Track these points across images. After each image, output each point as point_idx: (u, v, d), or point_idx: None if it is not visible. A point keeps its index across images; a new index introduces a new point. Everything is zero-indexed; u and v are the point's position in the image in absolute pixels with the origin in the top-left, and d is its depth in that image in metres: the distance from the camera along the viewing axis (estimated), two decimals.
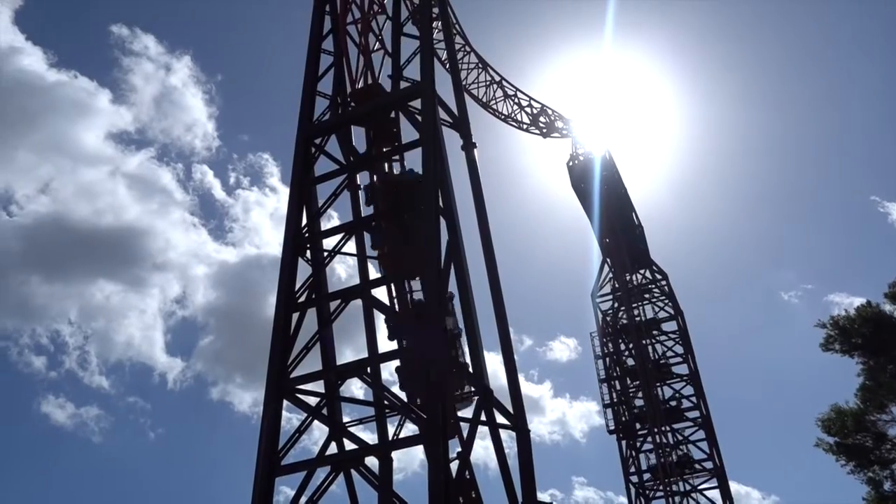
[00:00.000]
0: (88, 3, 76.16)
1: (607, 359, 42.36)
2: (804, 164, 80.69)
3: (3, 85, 59.50)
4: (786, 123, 79.66)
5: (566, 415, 77.11)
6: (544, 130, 40.03)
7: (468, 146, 18.87)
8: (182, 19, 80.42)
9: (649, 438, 39.24)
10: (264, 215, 79.15)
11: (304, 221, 17.49)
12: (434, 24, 20.85)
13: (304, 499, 14.17)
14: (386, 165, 19.38)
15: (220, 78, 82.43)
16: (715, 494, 38.19)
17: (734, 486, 43.91)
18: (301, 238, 17.19)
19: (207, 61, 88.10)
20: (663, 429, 39.05)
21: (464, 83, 34.70)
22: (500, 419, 15.68)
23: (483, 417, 15.11)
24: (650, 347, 42.45)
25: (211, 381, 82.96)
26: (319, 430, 15.95)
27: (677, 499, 37.15)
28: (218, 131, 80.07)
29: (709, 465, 38.78)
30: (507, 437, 15.83)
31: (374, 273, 18.86)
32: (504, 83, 39.17)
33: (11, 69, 60.44)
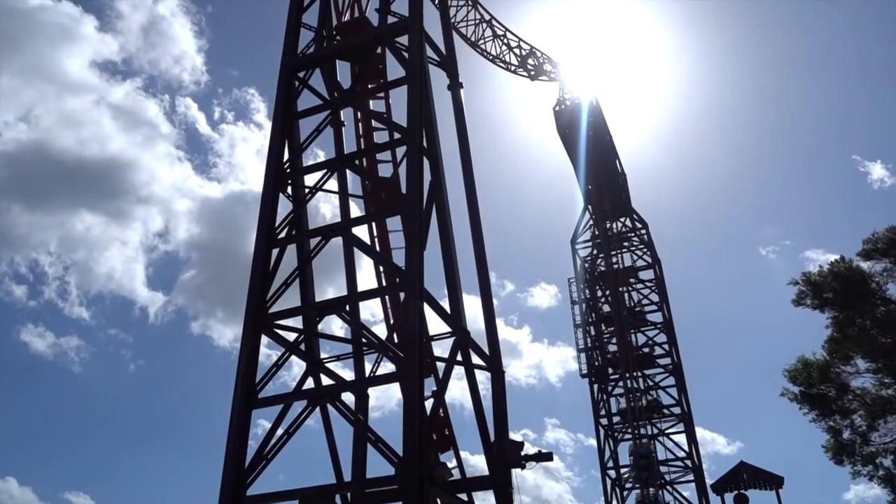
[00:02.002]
0: None
1: (584, 304, 42.93)
2: (789, 121, 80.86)
3: None
4: (773, 81, 79.44)
5: (543, 360, 78.59)
6: (532, 73, 39.49)
7: (455, 86, 18.62)
8: None
9: (621, 383, 40.13)
10: (250, 151, 78.24)
11: (287, 157, 17.25)
12: None
13: (280, 430, 14.39)
14: (371, 102, 19.11)
15: (211, 9, 80.00)
16: (681, 439, 39.43)
17: (701, 432, 45.37)
18: (282, 173, 16.99)
19: None
20: (635, 374, 39.90)
21: (452, 21, 34.00)
22: (476, 360, 15.92)
23: (459, 358, 15.32)
24: (626, 295, 43.03)
25: (192, 316, 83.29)
26: (299, 367, 16.09)
27: (644, 441, 38.23)
28: (207, 65, 78.28)
29: (677, 410, 39.87)
30: (483, 378, 16.12)
31: (356, 212, 18.81)
32: (493, 22, 38.42)
33: None
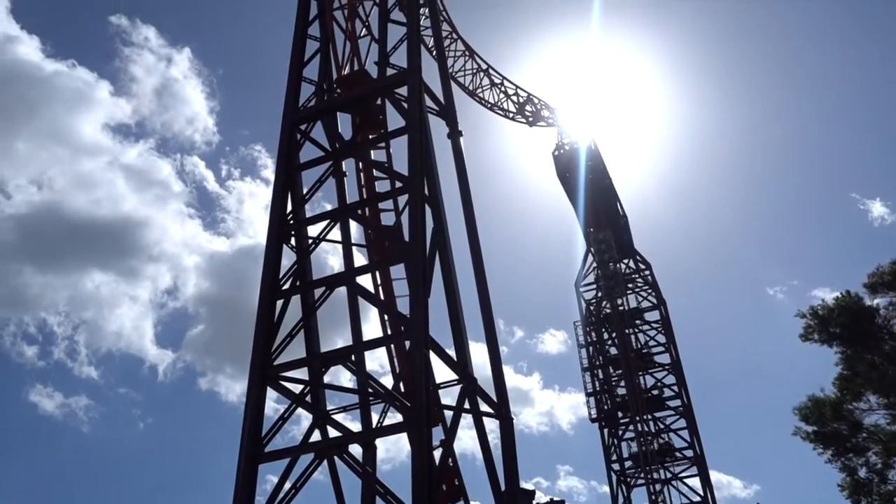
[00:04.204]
0: None
1: (590, 348, 42.64)
2: (787, 159, 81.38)
3: (0, 75, 58.76)
4: (769, 121, 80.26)
5: (554, 406, 77.68)
6: (530, 119, 40.02)
7: (454, 134, 18.84)
8: (183, 11, 79.61)
9: (631, 427, 39.58)
10: (257, 206, 78.95)
11: (290, 208, 17.39)
12: (421, 10, 20.73)
13: (287, 485, 14.17)
14: (372, 153, 19.33)
15: (222, 72, 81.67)
16: (696, 482, 38.71)
17: (717, 476, 44.59)
18: (286, 224, 17.10)
19: (209, 55, 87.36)
20: (645, 417, 39.39)
21: (450, 71, 34.57)
22: (484, 407, 15.76)
23: (467, 405, 15.17)
24: (633, 337, 42.77)
25: (200, 372, 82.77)
26: (307, 419, 15.95)
27: (658, 486, 37.57)
28: (218, 125, 79.55)
29: (689, 453, 39.23)
30: (493, 426, 15.95)
31: (360, 261, 18.88)
32: (491, 71, 39.08)
33: (7, 59, 59.69)
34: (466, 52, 38.18)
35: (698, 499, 37.94)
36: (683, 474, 38.94)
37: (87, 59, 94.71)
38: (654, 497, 37.07)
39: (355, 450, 15.57)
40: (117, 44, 72.66)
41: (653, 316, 43.49)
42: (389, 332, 18.51)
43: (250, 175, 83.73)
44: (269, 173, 76.30)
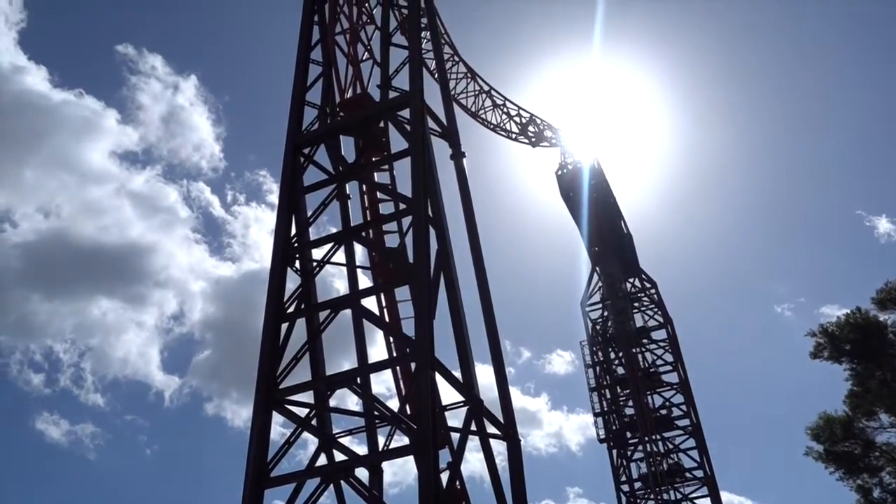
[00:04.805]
0: (93, 25, 76.03)
1: (597, 367, 42.38)
2: (791, 176, 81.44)
3: (7, 104, 59.34)
4: (773, 137, 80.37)
5: (563, 427, 77.08)
6: (533, 140, 40.16)
7: (457, 156, 18.89)
8: (189, 39, 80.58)
9: (640, 447, 39.22)
10: (263, 231, 79.20)
11: (294, 231, 17.42)
12: (423, 33, 20.89)
13: None
14: (375, 175, 19.38)
15: (228, 98, 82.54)
16: (705, 503, 38.23)
17: (728, 497, 44.10)
18: (290, 248, 17.12)
19: (215, 81, 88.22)
20: (654, 437, 39.03)
21: (452, 93, 34.81)
22: (491, 429, 15.63)
23: (473, 427, 15.05)
24: (640, 356, 42.52)
25: (206, 397, 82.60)
26: (313, 444, 15.83)
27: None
28: (224, 151, 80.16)
29: (699, 473, 38.80)
30: (501, 448, 15.80)
31: (365, 283, 18.83)
32: (493, 93, 39.30)
33: (15, 89, 60.27)
34: (468, 74, 38.42)
35: None
36: (694, 495, 38.50)
37: (94, 88, 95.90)
38: None
39: (362, 474, 15.43)
40: (124, 72, 73.46)
41: (659, 335, 43.30)
42: (395, 354, 18.43)
43: (256, 200, 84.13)
44: (275, 198, 76.33)
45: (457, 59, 37.60)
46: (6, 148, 60.49)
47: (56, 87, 77.52)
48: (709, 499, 38.14)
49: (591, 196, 40.98)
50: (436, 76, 20.75)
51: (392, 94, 20.01)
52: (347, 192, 18.94)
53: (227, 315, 69.22)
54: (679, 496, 38.19)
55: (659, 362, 42.62)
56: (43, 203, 64.84)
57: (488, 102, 39.20)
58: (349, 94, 19.55)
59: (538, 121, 40.19)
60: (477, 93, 38.95)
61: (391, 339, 18.72)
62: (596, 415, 41.17)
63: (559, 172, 41.59)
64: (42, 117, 61.63)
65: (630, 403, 40.81)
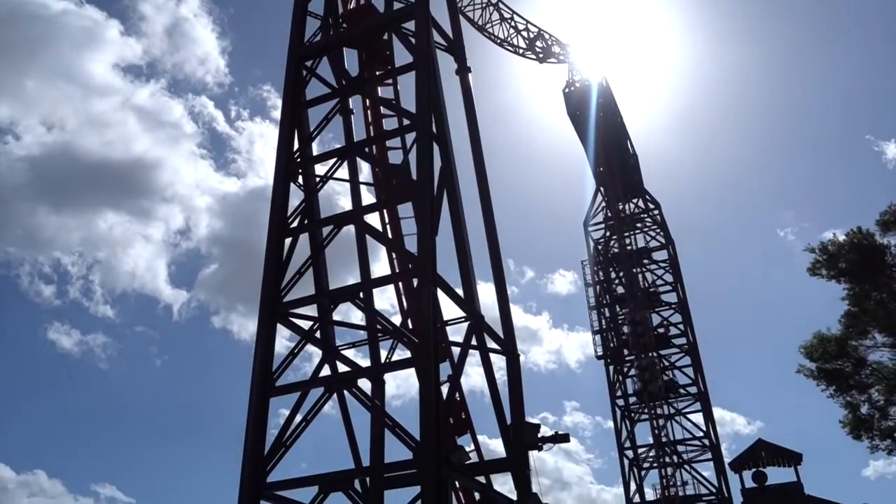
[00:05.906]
0: None
1: (598, 286, 42.86)
2: (802, 102, 79.99)
3: (6, 13, 57.76)
4: (785, 62, 78.51)
5: (563, 345, 78.82)
6: (540, 56, 39.22)
7: (462, 70, 18.54)
8: None
9: (636, 364, 40.10)
10: (268, 147, 78.53)
11: (297, 146, 17.29)
12: None
13: (298, 417, 14.51)
14: (379, 90, 19.07)
15: (233, 10, 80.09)
16: (699, 418, 39.41)
17: (721, 413, 45.29)
18: (293, 163, 17.03)
19: None
20: (650, 354, 39.85)
21: (459, 5, 33.77)
22: (492, 344, 15.97)
23: (474, 342, 15.37)
24: (640, 275, 42.91)
25: (213, 311, 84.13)
26: (318, 357, 16.21)
27: (661, 421, 38.28)
28: (229, 66, 78.44)
29: (693, 390, 39.82)
30: (501, 363, 16.18)
31: (368, 199, 18.83)
32: (500, 5, 38.18)
33: None
34: None
35: (701, 434, 38.71)
36: (687, 410, 39.64)
37: None
38: (657, 432, 37.81)
39: (365, 385, 15.85)
40: None
41: (661, 255, 43.57)
42: (398, 269, 18.63)
43: (260, 115, 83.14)
44: (279, 113, 75.88)
45: None
46: (6, 57, 59.35)
47: None
48: (701, 414, 39.31)
49: (598, 115, 40.39)
50: None
51: (397, 5, 19.42)
52: (351, 106, 18.69)
53: (233, 231, 69.70)
54: (672, 411, 39.32)
55: (659, 282, 43.08)
56: (46, 115, 64.12)
57: (495, 16, 38.14)
58: (353, 5, 19.03)
59: (546, 36, 39.17)
60: (484, 5, 37.85)
61: (394, 255, 18.89)
62: (595, 332, 41.94)
63: (566, 90, 40.84)
64: (41, 26, 60.21)
65: (628, 322, 41.47)
